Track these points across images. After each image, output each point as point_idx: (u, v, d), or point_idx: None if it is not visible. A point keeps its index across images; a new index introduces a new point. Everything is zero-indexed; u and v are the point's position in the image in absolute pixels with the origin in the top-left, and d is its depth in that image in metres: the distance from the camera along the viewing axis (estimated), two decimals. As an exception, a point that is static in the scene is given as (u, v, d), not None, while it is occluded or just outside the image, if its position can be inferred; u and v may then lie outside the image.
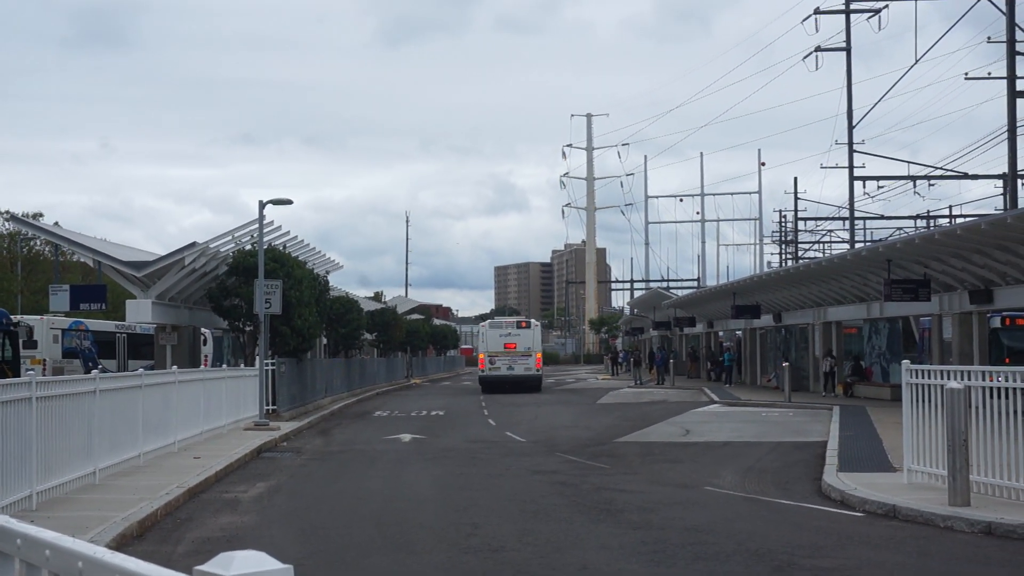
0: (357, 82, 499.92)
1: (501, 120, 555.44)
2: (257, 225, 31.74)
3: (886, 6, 48.99)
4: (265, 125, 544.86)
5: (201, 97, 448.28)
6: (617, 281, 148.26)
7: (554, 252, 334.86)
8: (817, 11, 50.64)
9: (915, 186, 53.94)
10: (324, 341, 53.04)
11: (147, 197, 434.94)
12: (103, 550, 2.94)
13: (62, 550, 3.06)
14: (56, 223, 62.70)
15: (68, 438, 15.79)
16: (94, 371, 18.32)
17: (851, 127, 50.27)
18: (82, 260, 41.37)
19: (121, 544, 12.54)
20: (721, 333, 71.26)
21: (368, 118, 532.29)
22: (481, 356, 57.32)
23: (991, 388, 14.94)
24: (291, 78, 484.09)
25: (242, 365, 36.04)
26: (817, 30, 50.86)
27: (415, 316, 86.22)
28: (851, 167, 50.80)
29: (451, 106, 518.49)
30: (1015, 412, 14.27)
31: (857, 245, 52.46)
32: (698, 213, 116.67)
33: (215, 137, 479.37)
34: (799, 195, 79.74)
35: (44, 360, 46.30)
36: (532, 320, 62.54)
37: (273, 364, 33.39)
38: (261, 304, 31.01)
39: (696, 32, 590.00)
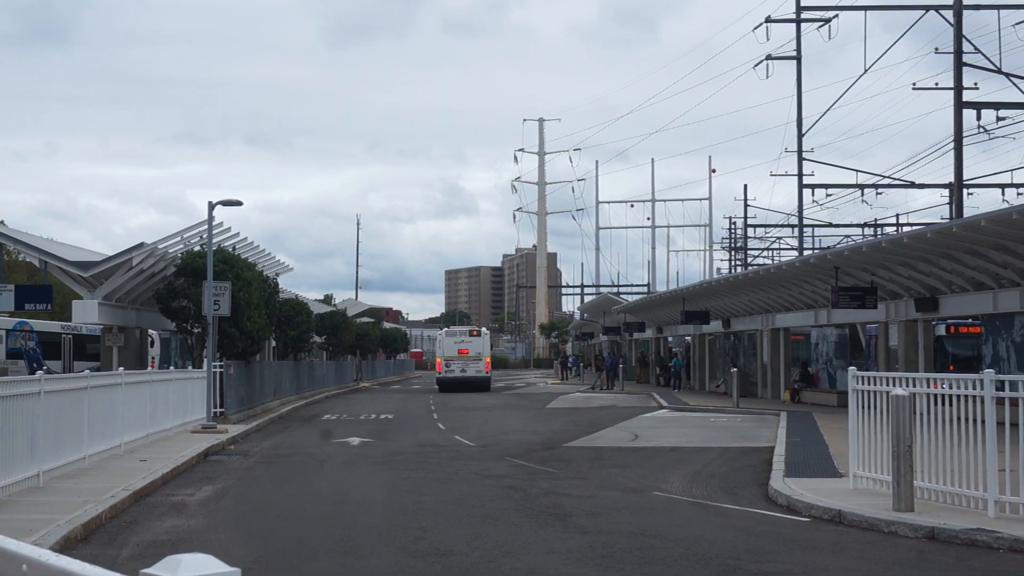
0: (302, 82, 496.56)
1: (448, 123, 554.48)
2: (206, 226, 31.49)
3: (836, 15, 49.44)
4: (210, 125, 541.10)
5: (144, 95, 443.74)
6: (568, 286, 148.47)
7: (505, 256, 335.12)
8: (768, 19, 51.01)
9: (863, 194, 54.51)
10: (273, 343, 52.69)
11: (92, 197, 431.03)
12: (48, 552, 2.92)
13: (6, 552, 3.02)
14: (2, 222, 61.96)
15: (11, 440, 15.58)
16: (39, 372, 18.12)
17: (800, 135, 50.66)
18: (28, 260, 40.85)
19: (65, 547, 12.40)
20: (670, 339, 71.61)
21: (314, 119, 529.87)
22: (439, 360, 65.12)
23: (936, 395, 15.11)
24: (234, 77, 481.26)
25: (190, 367, 35.77)
26: (768, 38, 51.24)
27: (365, 319, 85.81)
28: (800, 175, 51.21)
29: (397, 108, 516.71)
30: (959, 419, 14.45)
31: (806, 252, 52.90)
32: (649, 219, 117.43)
33: (159, 137, 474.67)
34: (749, 202, 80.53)
35: (-12, 361, 45.78)
36: (483, 329, 70.24)
37: (221, 366, 33.12)
38: (210, 306, 30.79)
39: (644, 38, 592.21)
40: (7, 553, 3.03)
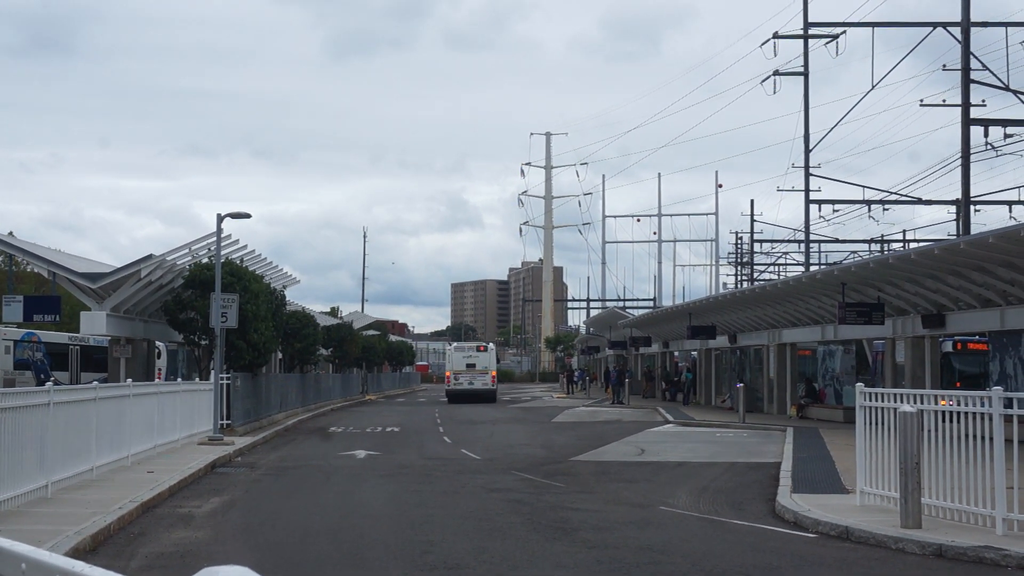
0: (305, 95, 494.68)
1: (451, 136, 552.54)
2: (214, 238, 31.59)
3: (844, 32, 49.49)
4: (214, 137, 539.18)
5: (149, 107, 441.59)
6: (573, 300, 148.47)
7: (511, 270, 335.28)
8: (776, 35, 51.05)
9: (870, 210, 54.49)
10: (279, 356, 52.76)
11: (98, 208, 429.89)
12: (82, 564, 2.95)
13: (39, 564, 3.05)
14: (11, 233, 62.07)
15: (20, 451, 15.62)
16: (47, 383, 18.17)
17: (807, 151, 50.67)
18: (36, 271, 40.84)
19: (73, 558, 12.42)
20: (677, 353, 71.57)
21: (318, 132, 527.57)
22: (448, 373, 70.82)
23: (943, 412, 15.12)
24: (238, 90, 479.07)
25: (197, 379, 35.82)
26: (775, 54, 51.29)
27: (371, 332, 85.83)
28: (807, 190, 51.24)
29: (399, 121, 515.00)
30: (966, 436, 14.45)
31: (812, 268, 52.92)
32: (655, 233, 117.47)
33: (164, 149, 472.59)
34: (755, 217, 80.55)
35: (-5, 371, 45.87)
36: (489, 344, 74.75)
37: (228, 378, 33.19)
38: (217, 318, 30.85)
39: (646, 52, 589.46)
40: (42, 565, 3.07)
